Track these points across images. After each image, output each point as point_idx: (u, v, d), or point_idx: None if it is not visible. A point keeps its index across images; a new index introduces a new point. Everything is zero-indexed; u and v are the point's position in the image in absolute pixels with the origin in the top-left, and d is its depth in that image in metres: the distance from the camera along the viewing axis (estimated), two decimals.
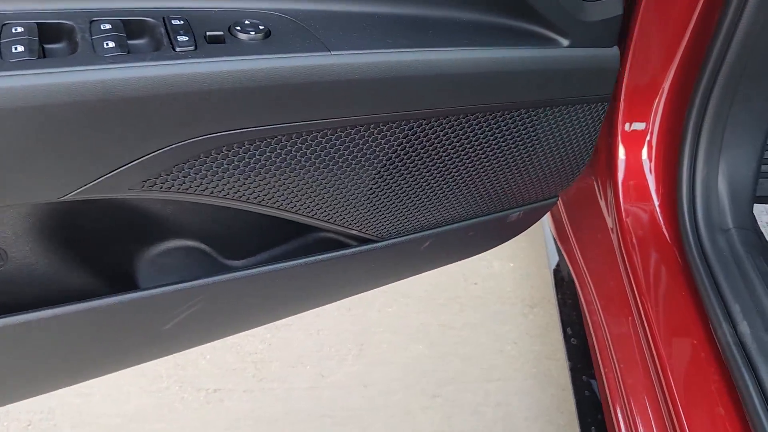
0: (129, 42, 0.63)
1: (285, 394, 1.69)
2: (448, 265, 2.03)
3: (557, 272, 1.60)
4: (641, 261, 1.24)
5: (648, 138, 1.29)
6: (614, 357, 1.24)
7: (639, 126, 1.29)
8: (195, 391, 1.70)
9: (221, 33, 0.66)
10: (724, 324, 1.07)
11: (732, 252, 1.17)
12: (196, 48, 0.64)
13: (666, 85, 1.26)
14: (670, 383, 1.05)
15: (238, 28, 0.67)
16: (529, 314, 1.89)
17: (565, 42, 0.84)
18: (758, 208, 1.49)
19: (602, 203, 1.39)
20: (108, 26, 0.62)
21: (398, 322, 1.86)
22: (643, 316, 1.16)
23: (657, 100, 1.27)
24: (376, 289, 2.00)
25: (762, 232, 1.27)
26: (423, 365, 1.76)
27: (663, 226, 1.27)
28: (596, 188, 1.42)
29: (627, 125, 1.30)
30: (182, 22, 0.66)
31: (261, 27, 0.69)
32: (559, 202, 1.55)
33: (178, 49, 0.63)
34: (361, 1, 0.77)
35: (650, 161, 1.31)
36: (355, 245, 0.95)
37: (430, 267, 1.08)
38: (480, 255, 2.08)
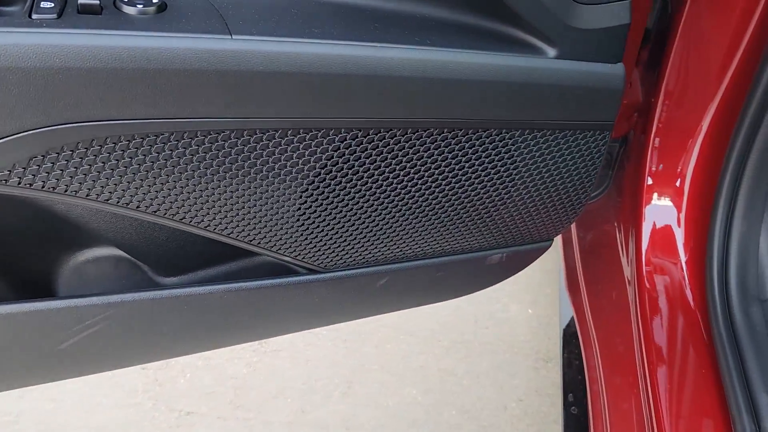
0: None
1: (261, 426, 1.56)
2: (460, 304, 1.88)
3: (568, 328, 1.41)
4: (657, 325, 1.05)
5: (679, 183, 1.11)
6: None
7: (670, 168, 1.11)
8: (168, 411, 1.59)
9: (97, 2, 0.54)
10: (746, 418, 0.87)
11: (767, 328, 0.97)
12: (59, 17, 0.52)
13: (705, 122, 1.07)
14: None
15: None
16: (542, 369, 1.69)
17: (551, 52, 0.69)
18: None
19: (622, 253, 1.20)
20: None
21: (395, 362, 1.70)
22: (650, 393, 0.97)
23: (693, 139, 1.09)
24: (376, 322, 1.85)
25: None
26: (414, 413, 1.59)
27: (688, 287, 1.08)
28: (617, 236, 1.23)
29: (656, 166, 1.12)
30: None
31: (154, 0, 0.57)
32: (575, 248, 1.37)
33: (35, 16, 0.52)
34: None
35: (680, 210, 1.12)
36: (295, 275, 0.81)
37: (391, 308, 0.92)
38: (496, 296, 1.91)
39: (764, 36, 0.94)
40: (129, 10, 0.56)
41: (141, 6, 0.56)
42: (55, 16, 0.53)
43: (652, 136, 1.09)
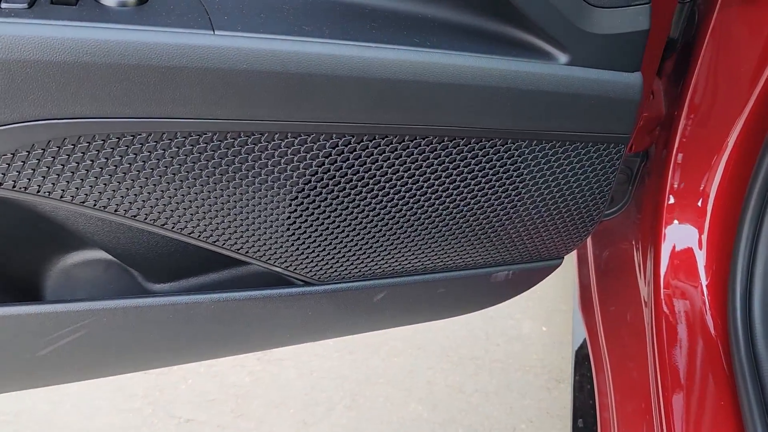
0: None
1: None
2: (471, 319, 1.82)
3: (580, 350, 1.35)
4: (674, 352, 0.98)
5: (702, 202, 1.05)
6: None
7: (693, 186, 1.05)
8: (167, 418, 1.56)
9: None
10: None
11: None
12: (30, 6, 0.49)
13: (732, 138, 1.01)
14: None
15: None
16: (554, 390, 1.63)
17: (562, 58, 0.64)
18: None
19: (639, 274, 1.14)
20: None
21: (402, 376, 1.65)
22: (663, 424, 0.91)
23: (718, 156, 1.03)
24: (385, 335, 1.80)
25: None
26: (420, 430, 1.53)
27: (708, 312, 1.02)
28: (635, 255, 1.17)
29: (678, 183, 1.06)
30: None
31: None
32: (590, 266, 1.31)
33: (3, 5, 0.49)
34: None
35: (702, 230, 1.06)
36: (289, 286, 0.77)
37: (388, 324, 0.88)
38: (509, 312, 1.85)
39: None
40: (107, 1, 0.53)
41: None
42: (25, 5, 0.50)
43: (675, 151, 1.03)
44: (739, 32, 0.96)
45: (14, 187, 0.55)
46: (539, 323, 1.81)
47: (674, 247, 1.04)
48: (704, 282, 1.03)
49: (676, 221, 1.06)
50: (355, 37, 0.57)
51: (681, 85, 1.05)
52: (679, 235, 1.05)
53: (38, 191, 0.56)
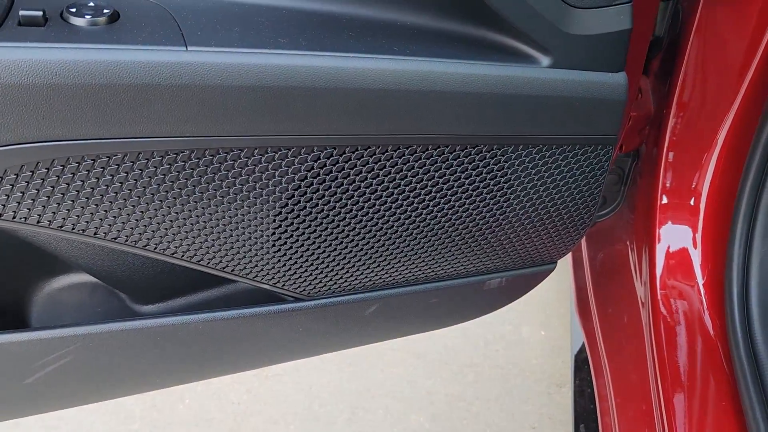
0: None
1: None
2: (469, 326, 1.80)
3: (579, 354, 1.34)
4: (673, 353, 0.97)
5: (694, 200, 1.04)
6: None
7: (685, 184, 1.04)
8: None
9: (39, 14, 0.50)
10: None
11: None
12: None
13: (721, 135, 1.01)
14: None
15: (73, 10, 0.52)
16: (556, 394, 1.61)
17: (545, 60, 0.63)
18: None
19: (635, 275, 1.13)
20: None
21: (401, 387, 1.64)
22: (665, 427, 0.90)
23: (708, 154, 1.02)
24: (383, 345, 1.79)
25: None
26: None
27: (706, 312, 1.01)
28: (630, 256, 1.16)
29: (669, 182, 1.05)
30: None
31: (106, 10, 0.52)
32: (586, 269, 1.30)
33: None
34: None
35: (696, 229, 1.05)
36: (279, 302, 0.76)
37: (381, 337, 0.87)
38: (507, 317, 1.83)
39: None
40: (77, 21, 0.52)
41: (90, 17, 0.52)
42: None
43: (665, 150, 1.02)
44: (725, 28, 0.95)
45: None
46: (537, 328, 1.79)
47: (669, 247, 1.03)
48: (701, 281, 1.02)
49: (669, 221, 1.05)
50: (332, 47, 0.56)
51: (669, 83, 1.04)
52: (674, 235, 1.04)
53: (14, 217, 0.55)
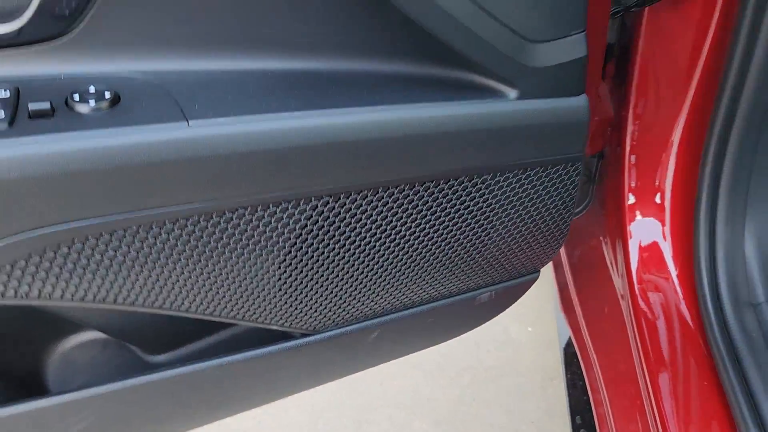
0: None
1: None
2: None
3: (568, 348, 1.40)
4: (655, 341, 1.04)
5: (659, 197, 1.10)
6: None
7: (649, 183, 1.11)
8: None
9: (47, 106, 0.54)
10: (752, 428, 0.86)
11: (763, 332, 0.97)
12: (10, 125, 0.52)
13: (677, 134, 1.07)
14: None
15: (77, 97, 0.55)
16: (549, 388, 1.68)
17: (512, 93, 0.69)
18: None
19: (612, 270, 1.20)
20: None
21: (402, 396, 1.69)
22: (655, 412, 0.96)
23: (667, 152, 1.09)
24: None
25: None
26: None
27: (682, 300, 1.07)
28: (605, 251, 1.23)
29: (635, 182, 1.12)
30: (8, 95, 0.54)
31: (107, 94, 0.56)
32: (566, 268, 1.36)
33: None
34: (248, 57, 0.64)
35: (664, 223, 1.11)
36: (286, 339, 0.80)
37: (383, 359, 0.92)
38: (496, 318, 1.89)
39: (725, 39, 0.95)
40: (82, 108, 0.55)
41: (93, 102, 0.56)
42: (6, 125, 0.52)
43: (628, 152, 1.09)
44: (670, 32, 1.02)
45: (15, 295, 0.58)
46: (525, 325, 1.86)
47: (641, 242, 1.09)
48: (674, 272, 1.09)
49: (638, 218, 1.11)
50: (321, 104, 0.61)
51: (624, 86, 1.11)
52: (644, 231, 1.11)
53: (39, 296, 0.59)
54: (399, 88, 0.66)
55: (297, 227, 0.65)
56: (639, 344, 1.05)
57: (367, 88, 0.65)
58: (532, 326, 1.85)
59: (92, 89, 0.57)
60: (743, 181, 1.05)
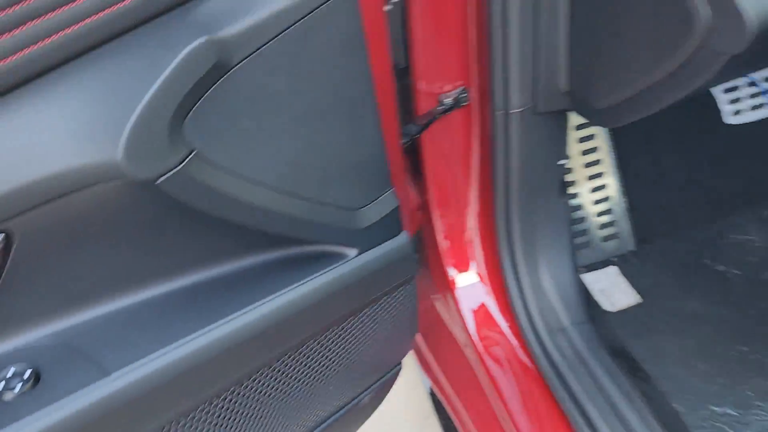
0: None
1: None
2: None
3: (434, 394, 1.61)
4: (502, 378, 1.27)
5: (475, 265, 1.33)
6: None
7: (462, 258, 1.33)
8: None
9: None
10: (582, 425, 1.11)
11: (574, 351, 1.23)
12: None
13: (472, 214, 1.30)
14: None
15: (2, 384, 0.62)
16: (427, 428, 1.88)
17: (352, 252, 0.86)
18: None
19: (451, 325, 1.41)
20: None
21: None
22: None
23: (469, 232, 1.32)
24: None
25: (604, 319, 1.33)
26: None
27: (511, 335, 1.31)
28: (441, 312, 1.44)
29: (452, 259, 1.33)
30: None
31: (28, 373, 0.63)
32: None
33: None
34: (144, 287, 0.74)
35: (482, 279, 1.34)
36: None
37: None
38: None
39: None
40: (7, 396, 0.60)
41: (19, 387, 0.62)
42: None
43: (440, 237, 1.30)
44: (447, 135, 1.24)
45: None
46: None
47: (469, 302, 1.32)
48: (498, 315, 1.31)
49: (459, 279, 1.33)
50: (215, 317, 0.72)
51: (422, 178, 1.32)
52: (467, 288, 1.33)
53: None
54: (276, 274, 0.79)
55: (219, 416, 0.77)
56: (488, 381, 1.27)
57: (248, 282, 0.78)
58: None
59: (12, 369, 0.63)
60: (530, 230, 1.29)
